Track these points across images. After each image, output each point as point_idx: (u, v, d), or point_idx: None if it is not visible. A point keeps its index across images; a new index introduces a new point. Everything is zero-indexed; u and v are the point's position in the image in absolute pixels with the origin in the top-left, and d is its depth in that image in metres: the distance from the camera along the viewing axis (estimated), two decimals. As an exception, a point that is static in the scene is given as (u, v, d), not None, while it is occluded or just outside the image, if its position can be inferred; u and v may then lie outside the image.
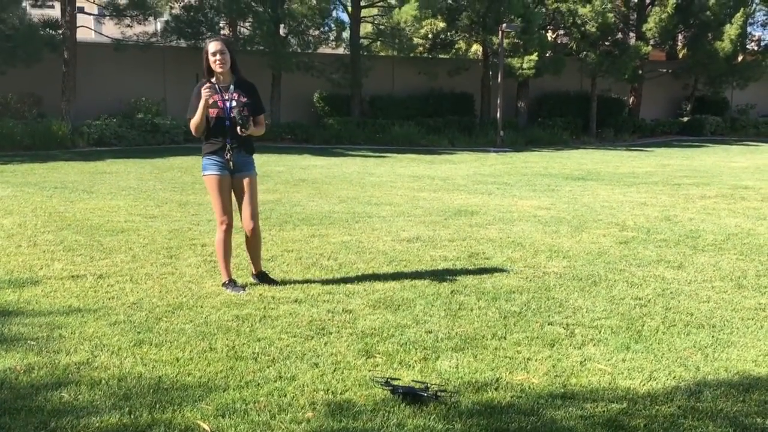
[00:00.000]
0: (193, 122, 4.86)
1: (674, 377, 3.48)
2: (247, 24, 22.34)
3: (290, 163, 16.81)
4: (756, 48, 28.92)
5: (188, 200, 9.82)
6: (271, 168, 15.35)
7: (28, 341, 3.75)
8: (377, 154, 20.01)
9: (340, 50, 24.41)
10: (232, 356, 3.61)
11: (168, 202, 9.55)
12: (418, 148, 21.85)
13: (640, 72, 25.79)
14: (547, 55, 24.12)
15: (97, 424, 2.81)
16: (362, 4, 23.33)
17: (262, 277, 5.20)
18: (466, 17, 23.15)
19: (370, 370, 3.46)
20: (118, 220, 7.96)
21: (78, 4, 19.95)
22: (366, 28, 24.76)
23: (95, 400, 3.03)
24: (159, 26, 21.57)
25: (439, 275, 5.47)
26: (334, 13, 22.01)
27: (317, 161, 17.49)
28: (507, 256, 6.17)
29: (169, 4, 20.72)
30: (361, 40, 23.29)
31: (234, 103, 4.79)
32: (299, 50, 22.02)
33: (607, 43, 25.08)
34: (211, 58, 4.86)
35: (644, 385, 3.37)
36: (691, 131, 27.78)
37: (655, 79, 27.61)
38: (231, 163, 4.89)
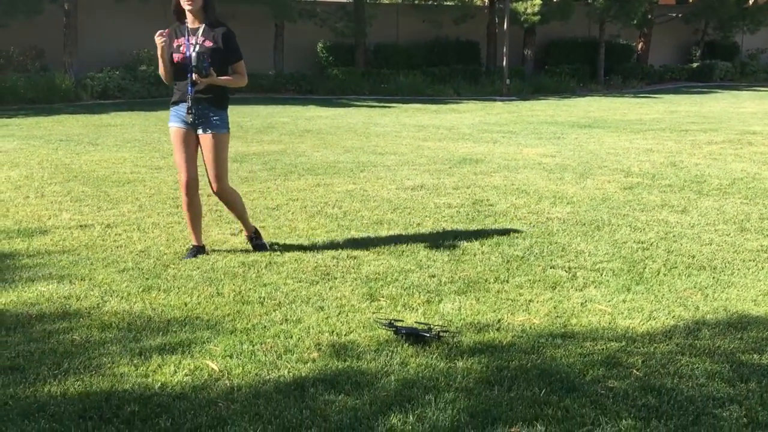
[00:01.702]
0: (160, 71, 4.54)
1: (673, 317, 3.53)
2: (248, -28, 21.95)
3: (294, 114, 16.74)
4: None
5: (193, 152, 9.83)
6: (276, 119, 15.30)
7: (39, 288, 3.82)
8: (382, 105, 19.88)
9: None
10: (239, 300, 3.67)
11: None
12: (424, 98, 21.68)
13: (650, 17, 25.34)
14: (553, 1, 23.70)
15: (109, 365, 2.90)
16: (365, -51, 22.86)
17: (255, 239, 4.72)
18: (471, -39, 22.68)
19: (374, 313, 3.53)
20: (123, 172, 8.00)
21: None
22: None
23: (106, 342, 3.11)
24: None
25: (442, 222, 5.51)
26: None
27: (322, 112, 17.41)
28: (511, 203, 6.20)
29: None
30: (365, -13, 22.90)
31: (198, 48, 4.27)
32: (300, -1, 21.72)
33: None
34: None
35: (643, 324, 3.43)
36: (700, 77, 27.40)
37: (664, 24, 27.14)
38: (191, 116, 4.39)
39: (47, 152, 9.65)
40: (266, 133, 12.46)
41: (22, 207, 5.97)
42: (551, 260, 4.44)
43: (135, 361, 2.93)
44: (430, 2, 24.57)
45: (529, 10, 21.99)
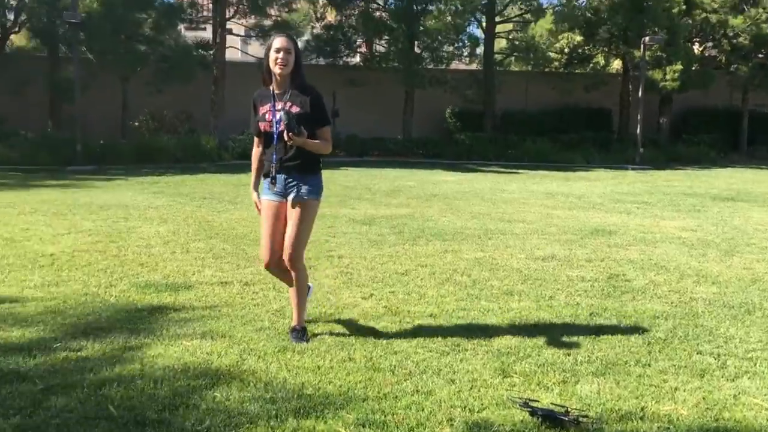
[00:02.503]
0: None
1: (843, 418, 3.19)
2: (382, 42, 22.86)
3: (421, 178, 16.98)
4: None
5: (324, 213, 10.13)
6: (403, 182, 15.57)
7: (184, 343, 4.01)
8: (509, 170, 19.82)
9: (473, 66, 24.40)
10: (370, 367, 3.68)
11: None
12: (551, 165, 21.41)
13: (798, 85, 23.99)
14: (693, 68, 22.96)
15: (247, 425, 2.96)
16: (497, 19, 23.24)
17: (298, 333, 4.14)
18: (605, 30, 22.49)
19: (507, 390, 3.43)
20: (259, 231, 8.33)
21: (227, 26, 21.21)
22: (500, 44, 24.63)
23: (245, 402, 3.19)
24: (299, 45, 22.51)
25: (576, 296, 5.33)
26: (468, 29, 22.06)
27: (448, 176, 17.56)
28: (649, 279, 5.91)
29: (311, 24, 21.57)
30: (495, 56, 23.18)
31: (283, 115, 3.96)
32: (432, 66, 22.27)
33: (761, 55, 23.53)
34: (273, 55, 4.00)
35: (808, 424, 3.12)
36: None
37: (816, 93, 25.55)
38: (275, 185, 4.09)
39: (192, 209, 10.27)
40: (394, 197, 12.68)
41: (169, 262, 6.34)
42: (697, 345, 4.16)
43: (271, 423, 2.98)
44: (560, 70, 24.48)
45: (668, 77, 21.38)
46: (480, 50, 22.87)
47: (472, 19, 22.64)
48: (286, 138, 3.94)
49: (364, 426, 2.98)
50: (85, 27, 18.38)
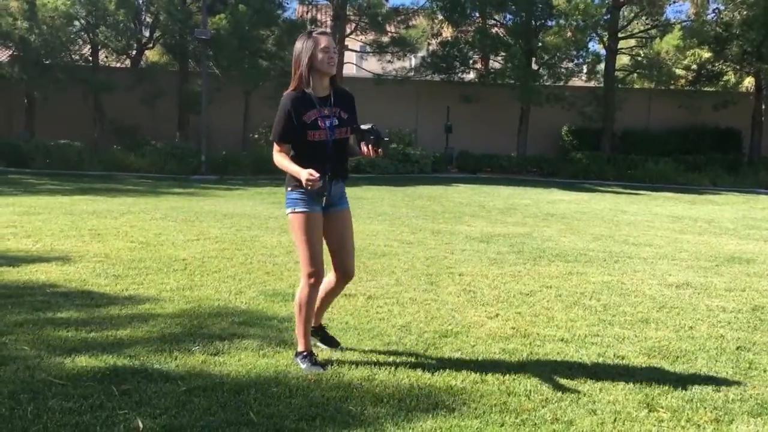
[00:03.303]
0: (283, 166, 3.78)
1: None
2: (498, 58, 22.65)
3: (536, 196, 16.61)
4: None
5: (440, 229, 10.08)
6: (517, 201, 15.28)
7: (319, 354, 4.02)
8: (629, 191, 19.06)
9: (592, 83, 23.75)
10: (504, 391, 3.55)
11: (422, 230, 9.88)
12: (675, 187, 20.43)
13: None
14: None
15: (383, 442, 2.91)
16: (620, 35, 22.52)
17: (322, 333, 4.20)
18: (737, 46, 21.31)
19: (654, 426, 3.21)
20: (378, 244, 8.37)
21: (345, 42, 21.65)
22: (621, 60, 23.85)
23: (379, 417, 3.15)
24: (414, 62, 22.67)
25: (719, 328, 4.98)
26: (589, 45, 21.49)
27: (564, 196, 17.08)
28: (800, 313, 5.45)
29: (428, 41, 21.68)
30: (616, 73, 22.46)
31: (336, 121, 3.76)
32: (549, 83, 21.83)
33: None
34: (321, 55, 3.69)
35: None
36: None
37: None
38: (328, 194, 3.85)
39: (310, 220, 10.45)
40: (509, 215, 12.45)
41: (294, 272, 6.43)
42: None
43: (408, 442, 2.91)
44: (687, 87, 23.39)
45: (805, 97, 19.99)
46: (600, 67, 22.19)
47: (593, 34, 22.04)
48: (372, 153, 3.72)
49: (504, 453, 2.86)
50: (214, 43, 19.27)
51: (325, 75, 3.75)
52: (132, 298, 5.18)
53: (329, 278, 4.00)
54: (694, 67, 22.68)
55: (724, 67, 23.07)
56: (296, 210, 3.82)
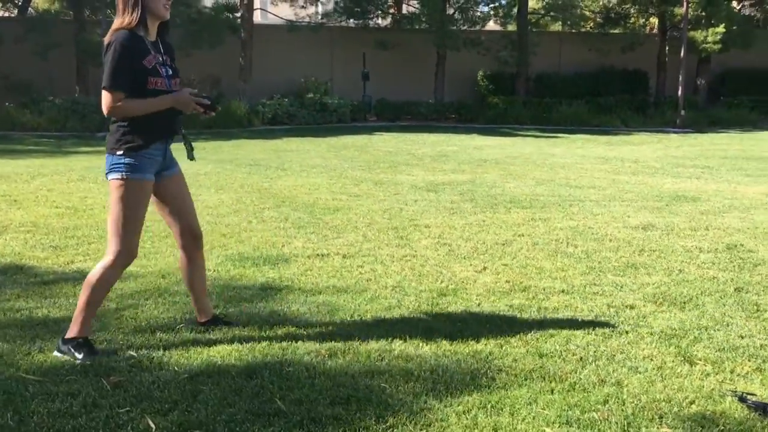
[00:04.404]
0: (140, 109, 3.16)
1: None
2: (413, 2, 22.16)
3: (461, 142, 16.48)
4: None
5: (381, 179, 9.74)
6: (445, 148, 15.10)
7: (319, 324, 3.64)
8: (547, 135, 19.25)
9: (506, 27, 23.70)
10: (534, 353, 3.30)
11: (363, 181, 9.50)
12: (588, 129, 20.82)
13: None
14: (734, 28, 22.17)
15: (438, 422, 2.59)
16: (532, -23, 22.48)
17: (216, 322, 3.61)
18: (644, -12, 21.69)
19: (700, 380, 3.04)
20: (326, 198, 7.95)
21: (255, -13, 20.57)
22: (534, 4, 23.88)
23: (418, 393, 2.82)
24: (328, 7, 21.88)
25: (707, 269, 4.92)
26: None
27: (488, 141, 17.04)
28: (774, 250, 5.49)
29: (341, -16, 20.90)
30: (531, 16, 22.46)
31: (170, 71, 3.29)
32: (465, 27, 21.60)
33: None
34: None
35: None
36: None
37: None
38: (166, 153, 3.35)
39: (243, 176, 9.88)
40: (442, 162, 12.24)
41: (251, 232, 5.96)
42: None
43: (463, 421, 2.61)
44: (596, 30, 23.72)
45: (710, 39, 20.66)
46: (515, 11, 22.12)
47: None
48: (204, 112, 3.25)
49: (570, 425, 2.60)
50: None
51: (159, 19, 3.27)
52: (83, 272, 4.59)
53: (181, 258, 3.55)
54: (603, 10, 22.97)
55: (630, 9, 23.49)
56: (128, 176, 3.17)
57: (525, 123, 21.63)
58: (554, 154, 14.13)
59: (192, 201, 3.55)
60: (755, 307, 4.05)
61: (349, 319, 3.75)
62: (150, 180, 3.26)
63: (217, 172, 10.27)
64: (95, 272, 3.25)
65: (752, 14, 24.14)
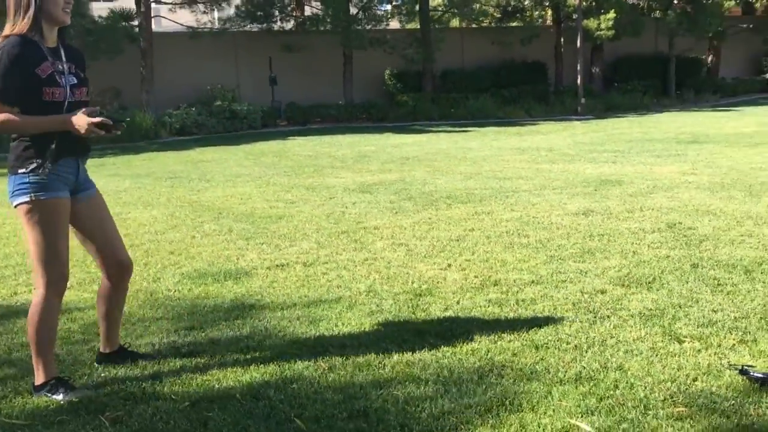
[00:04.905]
0: (29, 128, 2.87)
1: None
2: (316, 3, 22.03)
3: (377, 142, 16.51)
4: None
5: (311, 183, 9.62)
6: (363, 148, 15.09)
7: (306, 337, 3.53)
8: (458, 129, 19.59)
9: (411, 25, 23.95)
10: (530, 345, 3.32)
11: (294, 187, 9.35)
12: (496, 121, 21.34)
13: (720, 29, 24.74)
14: (623, 16, 23.27)
15: (454, 419, 2.56)
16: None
17: (121, 356, 3.29)
18: (539, -19, 22.42)
19: (693, 357, 3.15)
20: (263, 207, 7.77)
21: (152, -6, 19.88)
22: (435, 0, 24.25)
23: (434, 396, 2.78)
24: (231, 11, 21.40)
25: (657, 249, 5.11)
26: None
27: (403, 139, 17.16)
28: (712, 226, 5.77)
29: (242, -12, 20.51)
30: (433, 12, 22.78)
31: (74, 80, 2.98)
32: (369, 27, 21.67)
33: (677, 1, 24.08)
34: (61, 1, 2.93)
35: None
36: (774, 88, 26.63)
37: (733, 37, 26.48)
38: (78, 171, 3.02)
39: (166, 190, 9.52)
40: (366, 163, 12.23)
41: (200, 247, 5.74)
42: (831, 288, 4.02)
43: (490, 421, 2.59)
44: (495, 25, 24.34)
45: (602, 26, 21.59)
46: (417, 8, 22.38)
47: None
48: (109, 132, 2.88)
49: (591, 413, 2.63)
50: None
51: (58, 24, 2.98)
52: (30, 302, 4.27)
53: (103, 284, 3.19)
54: (502, 3, 23.60)
55: (527, 3, 24.24)
56: (36, 197, 2.85)
57: (434, 119, 21.93)
58: (471, 147, 14.39)
59: (115, 225, 3.19)
60: (715, 282, 4.24)
61: (334, 328, 3.66)
62: (65, 198, 2.92)
63: (138, 188, 9.85)
64: (32, 311, 2.96)
65: (637, 3, 25.39)
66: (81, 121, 2.84)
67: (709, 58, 26.92)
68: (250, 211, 7.53)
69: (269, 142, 17.30)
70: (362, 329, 3.63)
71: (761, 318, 3.58)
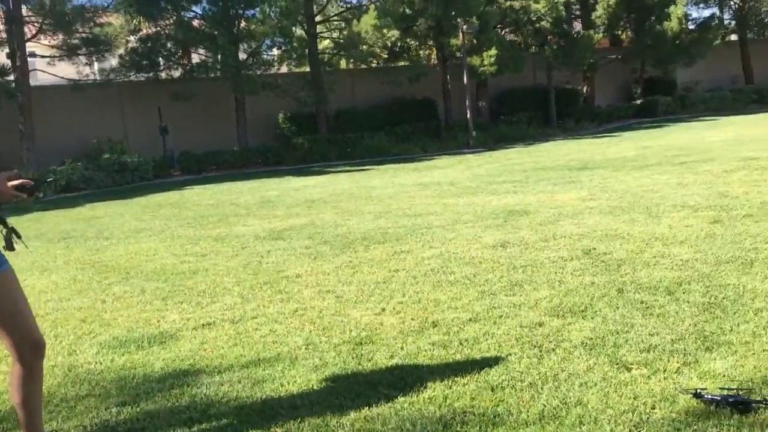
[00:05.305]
0: None
1: None
2: (204, 50, 21.75)
3: (278, 186, 16.33)
4: (692, 27, 29.95)
5: (219, 234, 9.33)
6: (266, 193, 14.86)
7: (253, 401, 3.33)
8: (357, 168, 19.71)
9: (301, 68, 24.04)
10: (486, 387, 3.28)
11: (201, 239, 9.04)
12: (393, 158, 21.64)
13: (592, 61, 26.33)
14: (504, 52, 24.35)
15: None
16: (318, 19, 23.04)
17: None
18: (423, 22, 23.11)
19: (645, 383, 3.20)
20: (173, 262, 7.44)
21: (29, 48, 18.97)
22: (324, 43, 24.49)
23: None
24: (115, 62, 20.75)
25: (581, 276, 5.25)
26: (297, 31, 21.60)
27: (304, 181, 17.05)
28: (625, 249, 6.00)
29: (126, 38, 19.93)
30: (322, 56, 22.98)
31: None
32: (260, 72, 21.58)
33: (552, 36, 25.48)
34: None
35: None
36: (645, 113, 28.53)
37: (605, 66, 28.25)
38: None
39: (62, 252, 8.97)
40: (271, 208, 12.03)
41: (114, 312, 5.39)
42: (752, 303, 4.23)
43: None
44: (384, 65, 24.83)
45: (485, 62, 22.47)
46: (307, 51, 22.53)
47: (296, 20, 22.22)
48: (30, 195, 2.72)
49: (565, 453, 2.60)
50: None
51: None
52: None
53: (15, 369, 2.86)
54: (389, 44, 24.14)
55: (413, 43, 24.91)
56: None
57: (332, 159, 21.99)
58: (374, 186, 14.46)
59: (28, 303, 2.89)
60: (644, 305, 4.38)
61: (280, 388, 3.49)
62: (4, 272, 2.69)
63: (29, 252, 9.19)
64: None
65: (516, 39, 26.66)
66: (1, 185, 2.58)
67: (585, 88, 28.51)
68: (160, 268, 7.18)
69: (165, 193, 16.74)
70: (310, 386, 3.48)
71: (696, 338, 3.71)
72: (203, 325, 4.79)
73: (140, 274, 6.92)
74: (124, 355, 4.25)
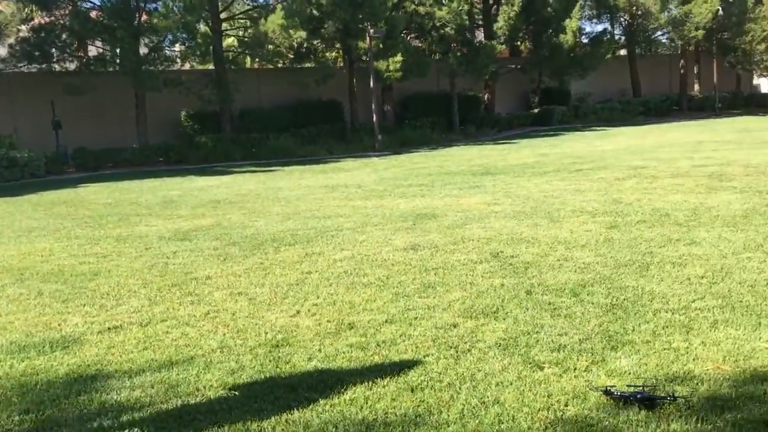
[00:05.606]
0: None
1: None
2: (102, 42, 20.87)
3: (180, 185, 15.89)
4: (585, 41, 31.42)
5: (120, 234, 8.99)
6: (168, 193, 14.42)
7: (168, 407, 3.23)
8: (262, 169, 19.45)
9: (206, 66, 23.48)
10: (404, 387, 3.32)
11: (102, 239, 8.67)
12: (298, 159, 21.51)
13: (493, 70, 27.11)
14: (409, 58, 24.69)
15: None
16: (223, 16, 22.59)
17: None
18: (331, 25, 23.11)
19: (557, 382, 3.33)
20: (72, 263, 7.10)
21: None
22: (229, 41, 24.02)
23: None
24: (3, 51, 19.58)
25: (490, 278, 5.40)
26: (201, 27, 21.07)
27: (208, 181, 16.67)
28: (531, 253, 6.21)
29: (17, 27, 18.85)
30: (227, 53, 22.54)
31: None
32: (162, 68, 20.94)
33: (456, 44, 26.09)
34: None
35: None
36: (541, 121, 29.65)
37: (505, 75, 29.16)
38: None
39: (-54, 251, 8.37)
40: (174, 208, 11.69)
41: (9, 316, 5.08)
42: (651, 305, 4.47)
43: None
44: (290, 65, 24.63)
45: (391, 67, 22.70)
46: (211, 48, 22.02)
47: (200, 17, 21.69)
48: None
49: (486, 451, 2.67)
50: None
51: None
52: None
53: None
54: (294, 45, 23.98)
55: (320, 45, 24.85)
56: None
57: (236, 159, 21.61)
58: (281, 187, 14.32)
59: None
60: (551, 306, 4.55)
61: (196, 393, 3.40)
62: None
63: None
64: None
65: (421, 46, 27.09)
66: None
67: (486, 96, 29.33)
68: (58, 269, 6.83)
69: (59, 190, 15.95)
70: (227, 391, 3.41)
71: (602, 338, 3.89)
72: (109, 328, 4.60)
73: (36, 275, 6.57)
74: (24, 361, 4.02)
